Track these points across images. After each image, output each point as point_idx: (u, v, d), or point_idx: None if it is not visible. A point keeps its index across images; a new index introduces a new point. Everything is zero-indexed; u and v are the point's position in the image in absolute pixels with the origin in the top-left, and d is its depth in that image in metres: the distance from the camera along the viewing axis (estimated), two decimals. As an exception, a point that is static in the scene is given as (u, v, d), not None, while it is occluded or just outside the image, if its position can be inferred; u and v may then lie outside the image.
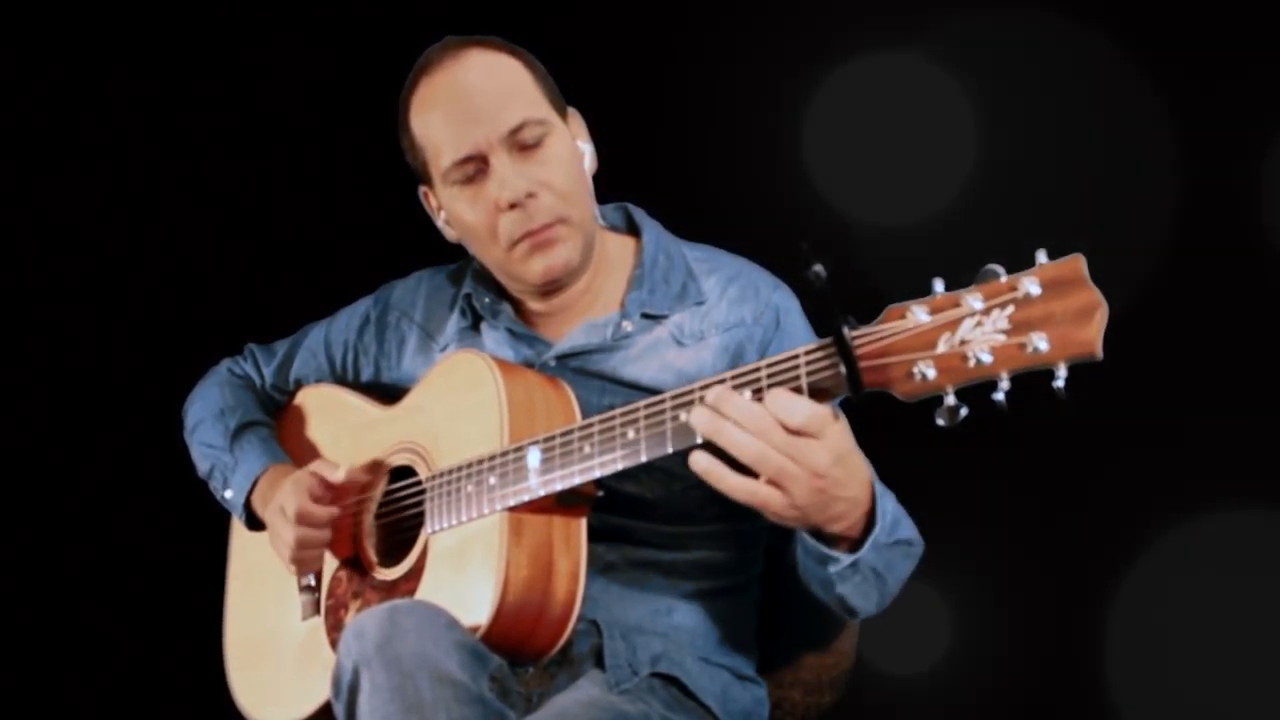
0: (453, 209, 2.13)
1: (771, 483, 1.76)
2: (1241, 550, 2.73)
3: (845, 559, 1.85)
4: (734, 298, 2.14)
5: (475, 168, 2.07)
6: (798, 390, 1.74)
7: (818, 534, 1.85)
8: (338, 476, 2.11)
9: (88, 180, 3.19)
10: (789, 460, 1.74)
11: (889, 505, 1.87)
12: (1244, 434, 2.71)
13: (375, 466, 2.19)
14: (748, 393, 1.76)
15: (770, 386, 1.76)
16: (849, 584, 1.89)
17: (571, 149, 2.11)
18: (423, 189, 2.20)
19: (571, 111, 2.16)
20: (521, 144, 2.06)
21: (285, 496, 2.13)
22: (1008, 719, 2.90)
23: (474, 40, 2.12)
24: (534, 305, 2.18)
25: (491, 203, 2.06)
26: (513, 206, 2.05)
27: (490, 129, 2.05)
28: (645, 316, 2.14)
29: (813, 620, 2.15)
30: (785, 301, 2.15)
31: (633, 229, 2.23)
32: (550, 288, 2.13)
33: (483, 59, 2.10)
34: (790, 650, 2.27)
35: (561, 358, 2.14)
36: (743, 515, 1.99)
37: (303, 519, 2.10)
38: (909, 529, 1.94)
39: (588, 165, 2.15)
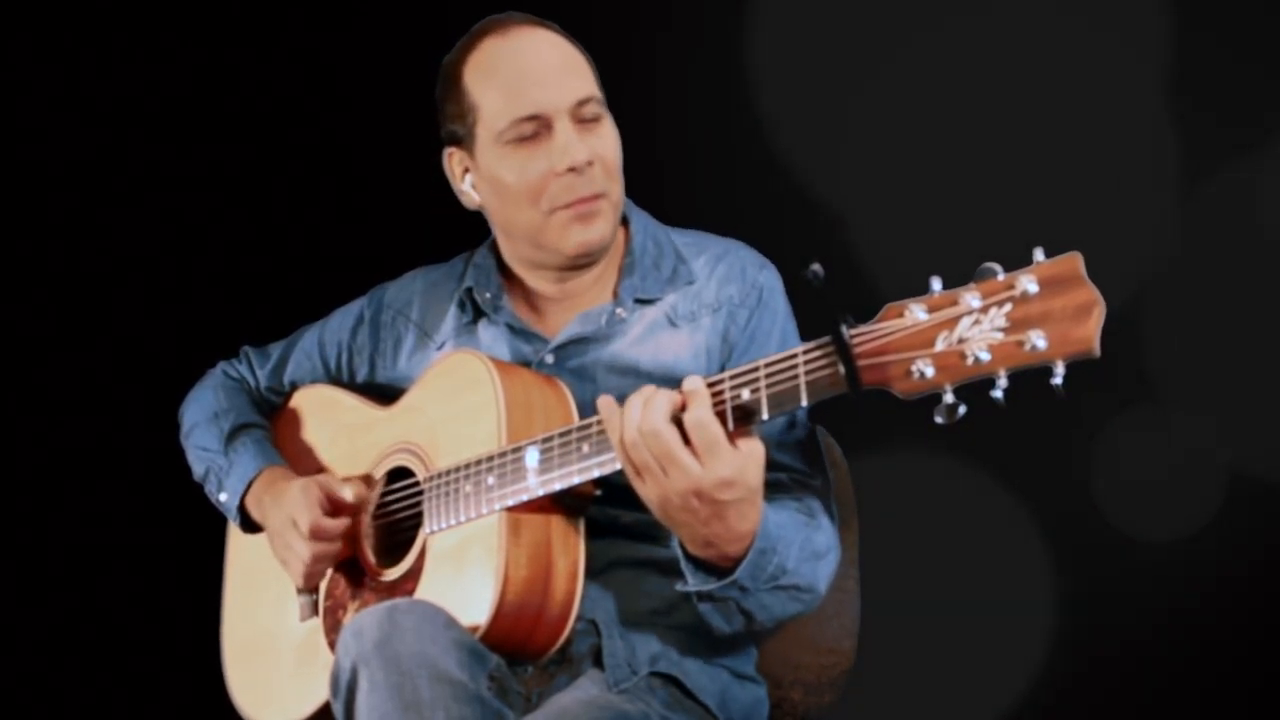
0: (494, 170, 2.12)
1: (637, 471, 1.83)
2: (1239, 549, 2.73)
3: (695, 586, 1.90)
4: (722, 276, 2.16)
5: (535, 128, 2.08)
6: (795, 389, 1.74)
7: (688, 552, 1.90)
8: (347, 496, 2.12)
9: (84, 183, 3.19)
10: (653, 459, 1.80)
11: (773, 559, 1.88)
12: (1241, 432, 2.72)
13: (372, 467, 2.19)
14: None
15: (769, 385, 1.76)
16: (705, 604, 1.93)
17: (618, 135, 2.15)
18: (450, 151, 2.20)
19: None
20: (582, 117, 2.09)
21: (295, 508, 2.12)
22: (1007, 718, 2.90)
23: (541, 21, 2.16)
24: (545, 288, 2.19)
25: (546, 166, 2.08)
26: (571, 170, 2.07)
27: (559, 96, 2.08)
28: (638, 302, 2.15)
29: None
30: (770, 281, 2.17)
31: (621, 219, 2.24)
32: (578, 262, 2.14)
33: (552, 36, 2.14)
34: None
35: (560, 348, 2.14)
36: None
37: (317, 534, 2.10)
38: (805, 576, 1.94)
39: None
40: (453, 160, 2.20)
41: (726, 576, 1.87)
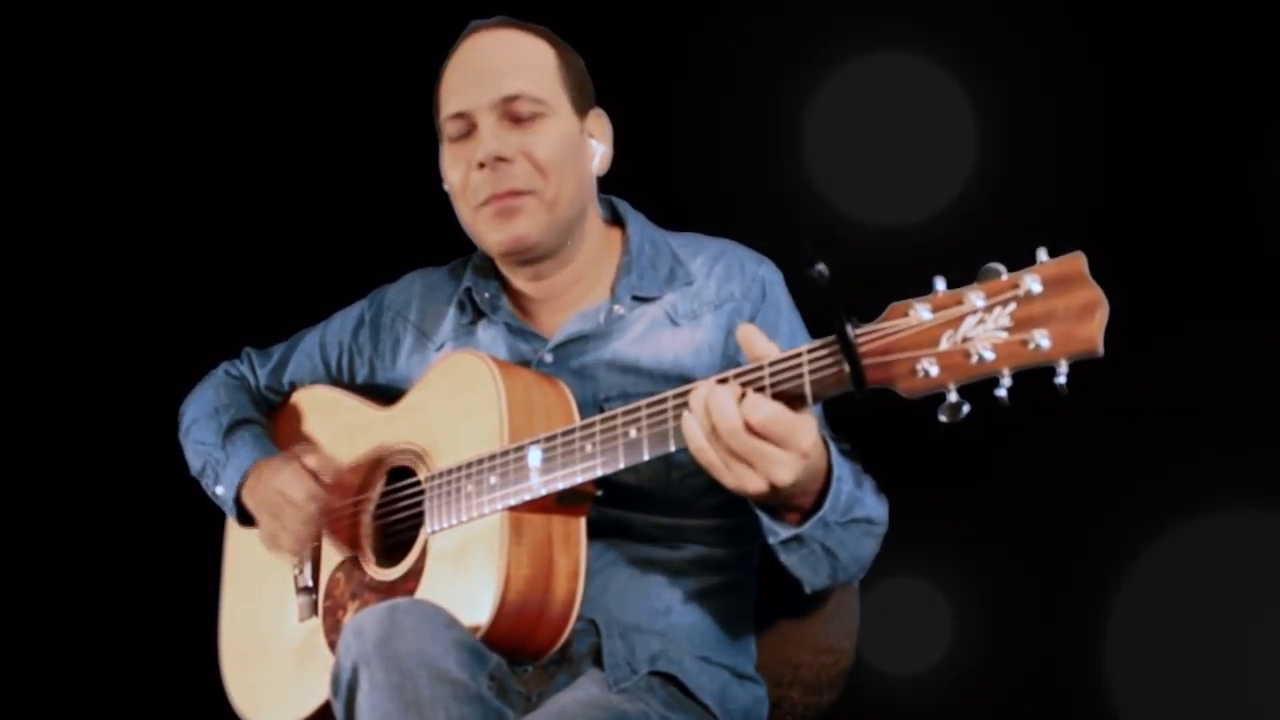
0: (444, 165, 2.17)
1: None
2: (1240, 550, 2.73)
3: (785, 533, 1.88)
4: (721, 275, 2.17)
5: (465, 125, 2.11)
6: (800, 389, 1.74)
7: (765, 506, 1.88)
8: (309, 464, 2.13)
9: (86, 184, 3.18)
10: (749, 466, 1.76)
11: (845, 487, 1.88)
12: (1241, 431, 2.72)
13: (373, 467, 2.19)
14: (732, 393, 1.76)
15: (774, 385, 1.76)
16: (794, 556, 1.91)
17: (571, 137, 2.14)
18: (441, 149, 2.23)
19: (596, 111, 2.19)
20: (513, 114, 2.10)
21: (284, 482, 2.14)
22: (1007, 718, 2.90)
23: (515, 22, 2.17)
24: (525, 287, 2.20)
25: (470, 162, 2.10)
26: (482, 166, 2.08)
27: (484, 93, 2.10)
28: (636, 299, 2.16)
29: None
30: (770, 275, 2.18)
31: (618, 221, 2.26)
32: (510, 260, 2.16)
33: (511, 35, 2.15)
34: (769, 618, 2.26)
35: (559, 347, 2.15)
36: (739, 508, 2.01)
37: (311, 499, 2.12)
38: (871, 508, 1.95)
39: (596, 164, 2.18)
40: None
41: (805, 522, 1.86)
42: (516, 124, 2.09)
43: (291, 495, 2.13)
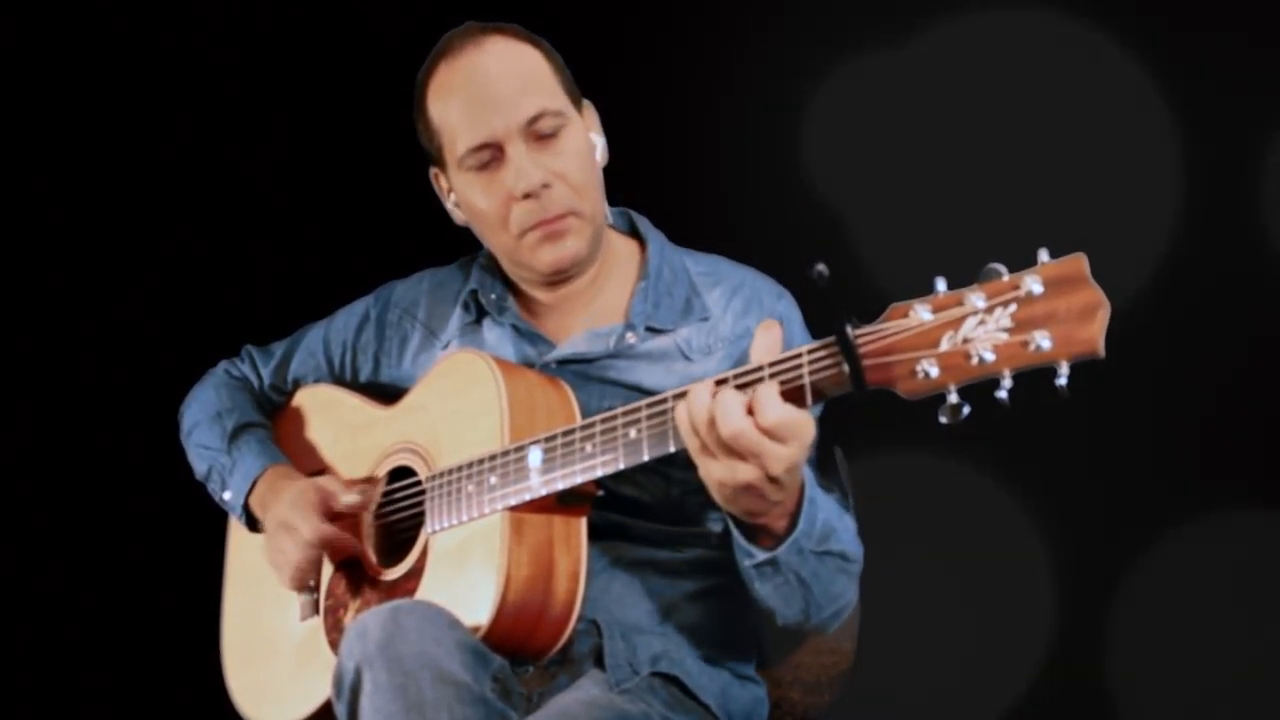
0: (465, 194, 2.13)
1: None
2: (1240, 550, 2.73)
3: (761, 555, 1.85)
4: (738, 310, 2.15)
5: (490, 155, 2.07)
6: (800, 389, 1.74)
7: (741, 524, 1.86)
8: (340, 505, 2.11)
9: (87, 182, 3.19)
10: (741, 460, 1.74)
11: (821, 515, 1.86)
12: (1242, 433, 2.72)
13: (374, 467, 2.19)
14: (739, 401, 1.74)
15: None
16: (768, 584, 1.89)
17: (586, 141, 2.12)
18: (434, 170, 2.21)
19: (586, 103, 2.17)
20: (538, 134, 2.07)
21: (292, 513, 2.11)
22: (1007, 718, 2.91)
23: (495, 27, 2.12)
24: (540, 296, 2.19)
25: (505, 191, 2.07)
26: (527, 197, 2.06)
27: (508, 118, 2.05)
28: (650, 330, 2.14)
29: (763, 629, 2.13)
30: (788, 311, 2.16)
31: (635, 233, 2.24)
32: (557, 278, 2.14)
33: (503, 47, 2.10)
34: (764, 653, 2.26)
35: (563, 362, 2.14)
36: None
37: (321, 543, 2.10)
38: (848, 543, 1.93)
39: (599, 157, 2.16)
40: (438, 180, 2.21)
41: (779, 545, 1.83)
42: (541, 142, 2.06)
43: (309, 537, 2.10)
